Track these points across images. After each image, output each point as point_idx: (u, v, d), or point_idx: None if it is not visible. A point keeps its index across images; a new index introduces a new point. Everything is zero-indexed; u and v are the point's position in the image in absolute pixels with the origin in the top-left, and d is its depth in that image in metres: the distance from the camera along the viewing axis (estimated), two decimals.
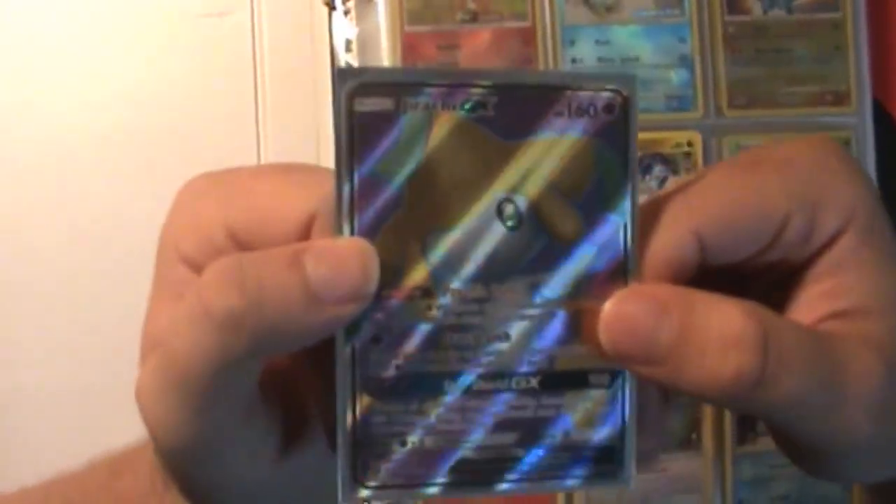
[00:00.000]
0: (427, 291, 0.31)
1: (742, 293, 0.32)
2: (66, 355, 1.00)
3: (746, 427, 0.98)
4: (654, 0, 1.01)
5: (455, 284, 0.31)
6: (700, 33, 1.01)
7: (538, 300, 0.31)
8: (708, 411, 0.97)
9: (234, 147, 1.03)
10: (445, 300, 0.31)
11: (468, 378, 0.31)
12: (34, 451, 0.96)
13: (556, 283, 0.31)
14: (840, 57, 1.03)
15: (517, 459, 0.32)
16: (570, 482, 0.32)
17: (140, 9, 1.01)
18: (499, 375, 0.31)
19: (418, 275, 0.30)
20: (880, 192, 0.35)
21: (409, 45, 0.96)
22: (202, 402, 0.32)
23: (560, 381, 0.32)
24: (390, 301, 0.30)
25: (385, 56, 0.95)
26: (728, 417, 0.97)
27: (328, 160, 0.34)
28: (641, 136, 1.01)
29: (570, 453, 0.32)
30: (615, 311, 0.31)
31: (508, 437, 0.31)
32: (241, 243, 0.33)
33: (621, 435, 0.32)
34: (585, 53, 0.99)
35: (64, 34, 1.01)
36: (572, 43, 0.98)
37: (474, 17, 0.96)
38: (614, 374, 0.32)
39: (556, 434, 0.32)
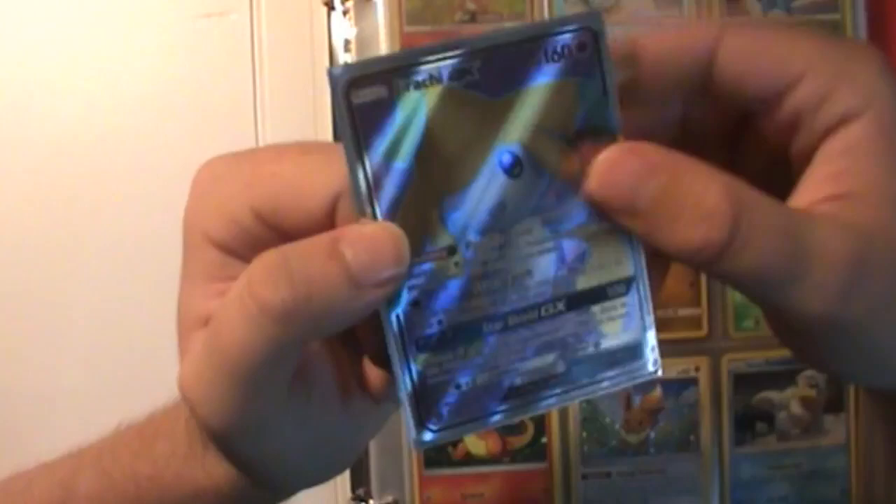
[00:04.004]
0: (451, 250, 0.34)
1: (747, 172, 0.34)
2: (70, 355, 1.00)
3: (745, 428, 0.98)
4: (653, 0, 1.01)
5: (475, 238, 0.34)
6: None
7: (551, 233, 0.34)
8: (706, 413, 0.97)
9: (233, 146, 1.03)
10: (469, 254, 0.34)
11: (503, 317, 0.34)
12: (48, 451, 0.96)
13: (564, 214, 0.34)
14: None
15: (559, 375, 0.35)
16: (607, 384, 0.36)
17: (138, 8, 1.01)
18: (529, 308, 0.35)
19: (441, 237, 0.34)
20: None
21: (408, 46, 0.96)
22: (253, 386, 0.34)
23: (583, 299, 0.35)
24: (421, 267, 0.34)
25: None
26: (726, 419, 0.97)
27: None
28: None
29: (603, 359, 0.35)
30: (608, 161, 0.33)
31: (548, 359, 0.35)
32: (267, 224, 0.35)
33: (643, 332, 0.36)
34: None
35: (62, 34, 1.01)
36: None
37: (473, 17, 0.96)
38: (629, 282, 0.35)
39: (587, 346, 0.35)
